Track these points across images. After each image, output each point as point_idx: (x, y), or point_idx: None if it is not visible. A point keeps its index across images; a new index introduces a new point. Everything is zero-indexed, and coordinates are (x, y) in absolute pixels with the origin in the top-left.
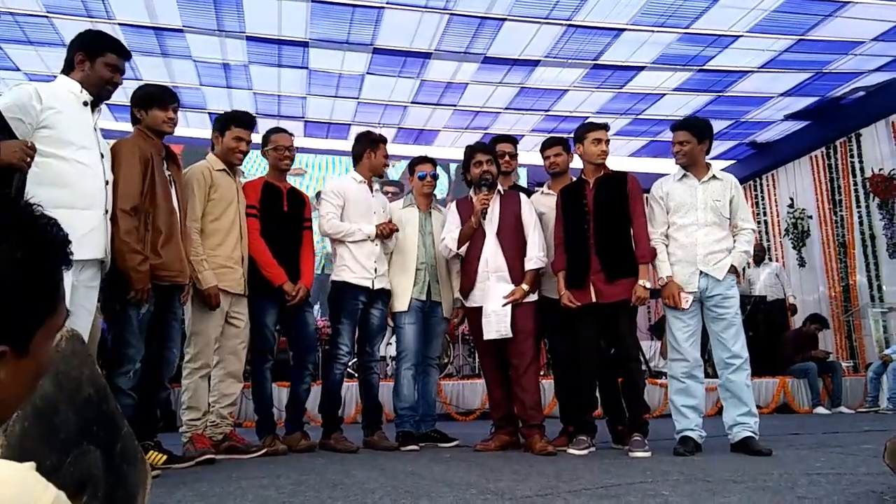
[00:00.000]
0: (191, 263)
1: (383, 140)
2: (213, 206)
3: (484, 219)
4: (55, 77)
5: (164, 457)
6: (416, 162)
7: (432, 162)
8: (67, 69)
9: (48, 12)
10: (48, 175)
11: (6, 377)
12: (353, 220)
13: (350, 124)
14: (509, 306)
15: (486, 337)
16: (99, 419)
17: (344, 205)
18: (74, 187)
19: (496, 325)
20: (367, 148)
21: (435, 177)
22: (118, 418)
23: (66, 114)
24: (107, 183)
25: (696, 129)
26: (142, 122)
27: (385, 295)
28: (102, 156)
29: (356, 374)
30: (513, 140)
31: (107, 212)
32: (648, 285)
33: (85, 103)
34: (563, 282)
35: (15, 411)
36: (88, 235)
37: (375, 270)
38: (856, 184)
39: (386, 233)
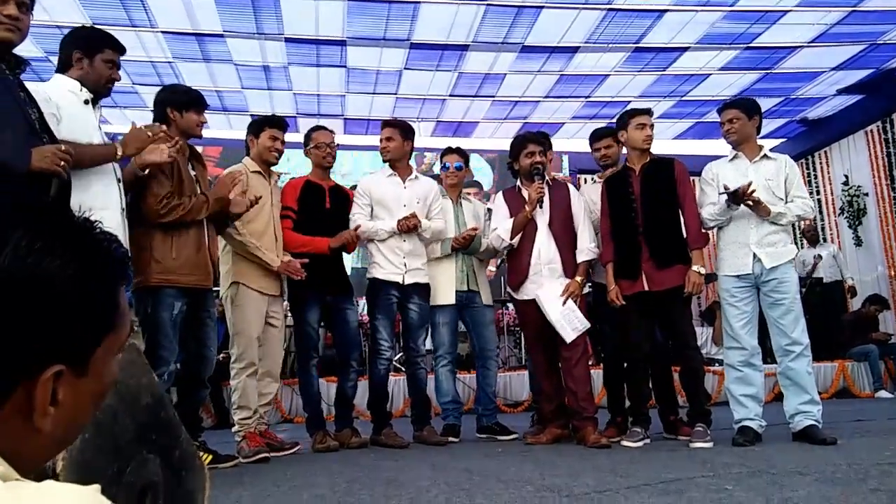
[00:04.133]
0: (254, 255)
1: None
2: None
3: (541, 208)
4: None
5: (210, 456)
6: (443, 153)
7: (458, 152)
8: (63, 68)
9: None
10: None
11: (66, 397)
12: (380, 217)
13: (389, 120)
14: (570, 302)
15: (568, 340)
16: (157, 426)
17: (371, 202)
18: (88, 188)
19: (570, 324)
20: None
21: (459, 167)
22: (175, 425)
23: (70, 112)
24: (118, 180)
25: (744, 106)
26: (172, 124)
27: (421, 289)
28: None
29: (403, 369)
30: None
31: (123, 210)
32: (703, 271)
33: (86, 101)
34: (611, 274)
35: (80, 431)
36: None
37: (405, 265)
38: None
39: (404, 228)
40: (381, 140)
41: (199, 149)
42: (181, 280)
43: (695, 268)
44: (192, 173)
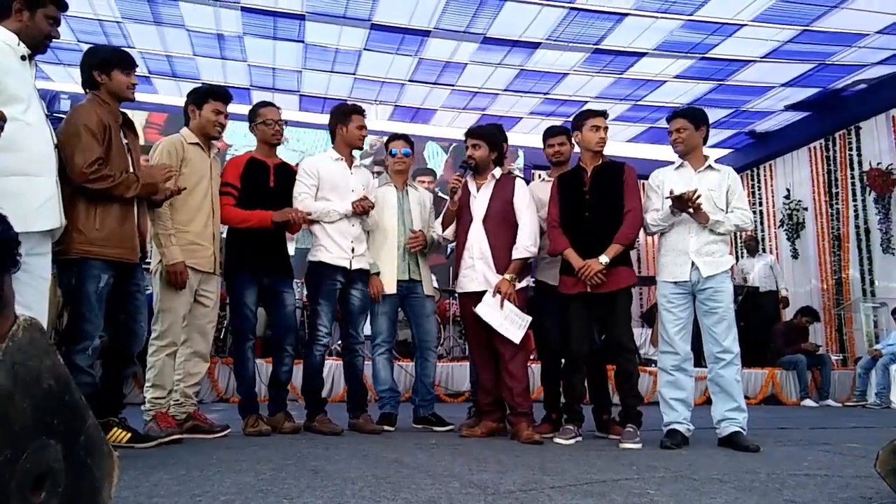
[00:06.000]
0: (157, 238)
1: (357, 111)
2: (183, 180)
3: (453, 198)
4: None
5: (129, 435)
6: (389, 139)
7: (405, 139)
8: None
9: None
10: None
11: None
12: (329, 199)
13: (346, 100)
14: (507, 303)
15: (517, 340)
16: (60, 411)
17: (318, 183)
18: (25, 151)
19: (514, 325)
20: (339, 122)
21: (407, 154)
22: (82, 409)
23: (9, 68)
24: (55, 146)
25: (691, 116)
26: (101, 87)
27: (365, 275)
28: (46, 116)
29: (342, 355)
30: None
31: (57, 179)
32: (605, 261)
33: (23, 57)
34: (575, 256)
35: None
36: (45, 205)
37: (353, 250)
38: (853, 177)
39: (360, 210)
40: (358, 127)
41: (144, 114)
42: (104, 252)
43: (602, 257)
44: (125, 142)
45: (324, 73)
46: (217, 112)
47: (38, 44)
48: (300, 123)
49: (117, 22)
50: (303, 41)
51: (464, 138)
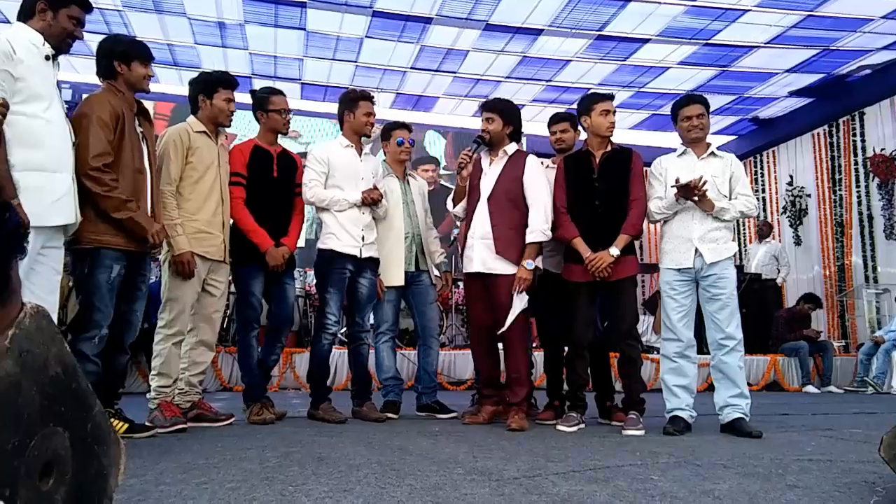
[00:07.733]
0: (164, 228)
1: (364, 97)
2: (191, 168)
3: (461, 173)
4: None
5: (126, 425)
6: (391, 127)
7: (408, 128)
8: (25, 17)
9: None
10: (19, 134)
11: None
12: (339, 187)
13: (348, 88)
14: (523, 296)
15: (505, 326)
16: (67, 399)
17: (328, 171)
18: (47, 148)
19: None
20: (346, 108)
21: (412, 143)
22: (89, 397)
23: (33, 66)
24: (74, 144)
25: (706, 103)
26: (119, 77)
27: (374, 264)
28: (66, 114)
29: (347, 343)
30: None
31: (74, 176)
32: (615, 253)
33: (47, 57)
34: (584, 246)
35: None
36: (61, 200)
37: (363, 238)
38: (856, 163)
39: (369, 201)
40: (365, 114)
41: (151, 104)
42: (113, 241)
43: (612, 249)
44: (140, 130)
45: (325, 60)
46: (228, 100)
47: (61, 43)
48: (302, 112)
49: (118, 11)
50: (304, 29)
51: (480, 111)
